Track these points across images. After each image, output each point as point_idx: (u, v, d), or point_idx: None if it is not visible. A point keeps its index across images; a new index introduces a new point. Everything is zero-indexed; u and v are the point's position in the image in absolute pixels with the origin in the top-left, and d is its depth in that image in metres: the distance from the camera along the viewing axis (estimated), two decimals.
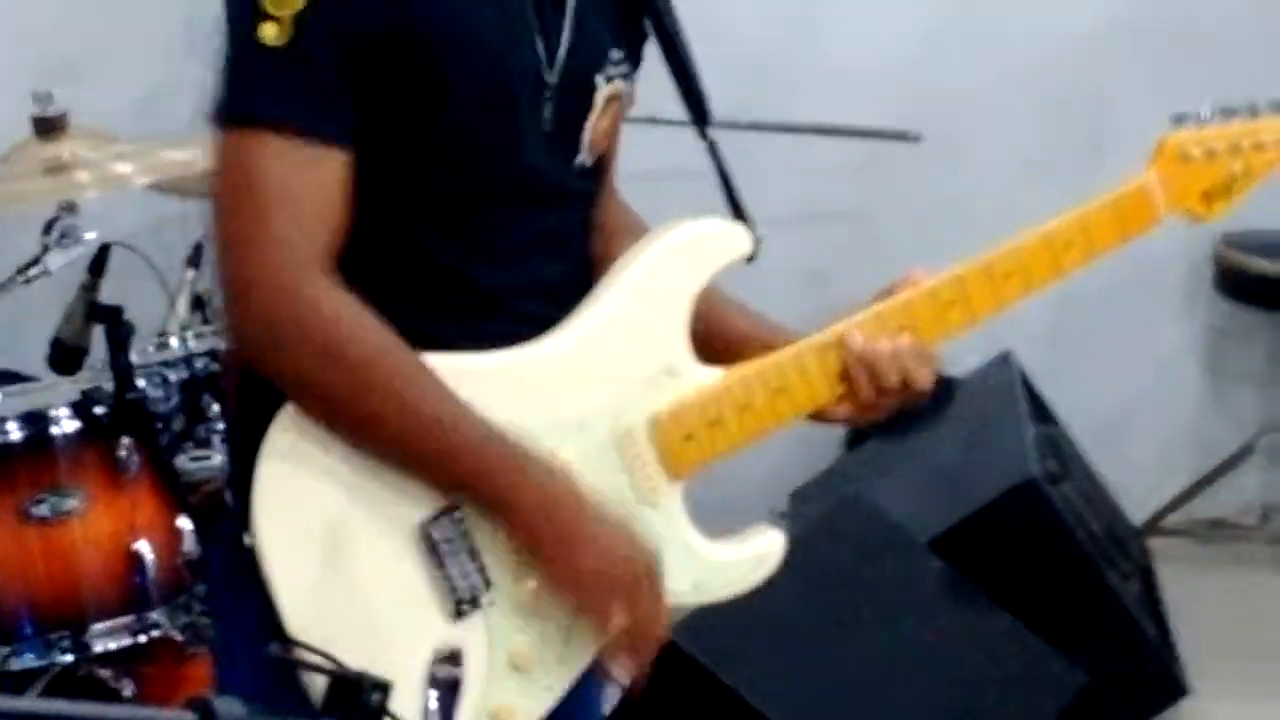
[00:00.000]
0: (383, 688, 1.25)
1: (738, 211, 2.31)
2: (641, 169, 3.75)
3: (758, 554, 2.22)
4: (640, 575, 2.06)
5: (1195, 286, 4.58)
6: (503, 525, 2.05)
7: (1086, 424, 4.35)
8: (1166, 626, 3.92)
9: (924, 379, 2.16)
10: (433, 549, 2.06)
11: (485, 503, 2.04)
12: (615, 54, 2.11)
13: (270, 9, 1.94)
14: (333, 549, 2.07)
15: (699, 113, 2.31)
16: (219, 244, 2.09)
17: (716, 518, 4.13)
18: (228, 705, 1.24)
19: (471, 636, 2.11)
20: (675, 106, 3.72)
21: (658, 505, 2.11)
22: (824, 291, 4.27)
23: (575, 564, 2.03)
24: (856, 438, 4.40)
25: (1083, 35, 4.60)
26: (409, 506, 2.06)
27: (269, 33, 1.93)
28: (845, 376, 2.11)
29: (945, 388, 4.05)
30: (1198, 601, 3.93)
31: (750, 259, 2.18)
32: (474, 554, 2.06)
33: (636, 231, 2.32)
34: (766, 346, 2.19)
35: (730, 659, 3.39)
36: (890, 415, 2.28)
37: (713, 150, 2.38)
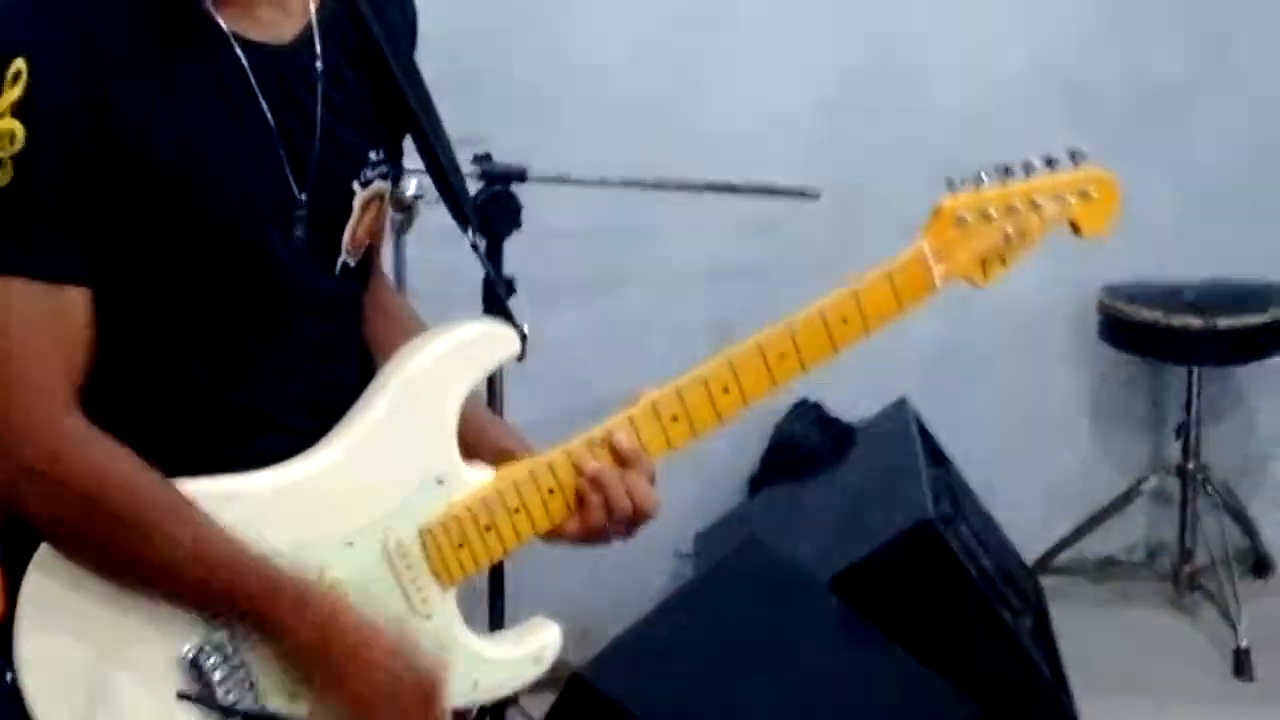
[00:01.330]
0: None
1: (505, 312, 2.28)
2: (551, 226, 3.67)
3: (535, 650, 2.20)
4: (421, 694, 2.04)
5: (1081, 335, 4.56)
6: (275, 650, 2.01)
7: (979, 466, 4.32)
8: (1058, 661, 3.91)
9: (650, 502, 2.13)
10: (201, 680, 2.00)
11: (256, 629, 2.00)
12: (374, 155, 2.07)
13: None
14: (98, 693, 1.99)
15: (460, 217, 2.27)
16: None
17: (623, 557, 4.06)
18: None
19: None
20: (583, 167, 3.71)
21: (432, 615, 2.09)
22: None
23: (352, 690, 2.00)
24: (759, 481, 4.35)
25: (986, 96, 4.49)
26: (174, 639, 1.99)
27: None
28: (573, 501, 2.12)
29: (844, 433, 4.26)
30: (1087, 637, 3.94)
31: (520, 359, 2.16)
32: (245, 679, 2.01)
33: (394, 312, 2.32)
34: (510, 455, 2.18)
35: (638, 695, 3.35)
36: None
37: (476, 249, 2.35)
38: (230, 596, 1.95)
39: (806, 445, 4.27)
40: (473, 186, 3.50)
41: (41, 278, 1.84)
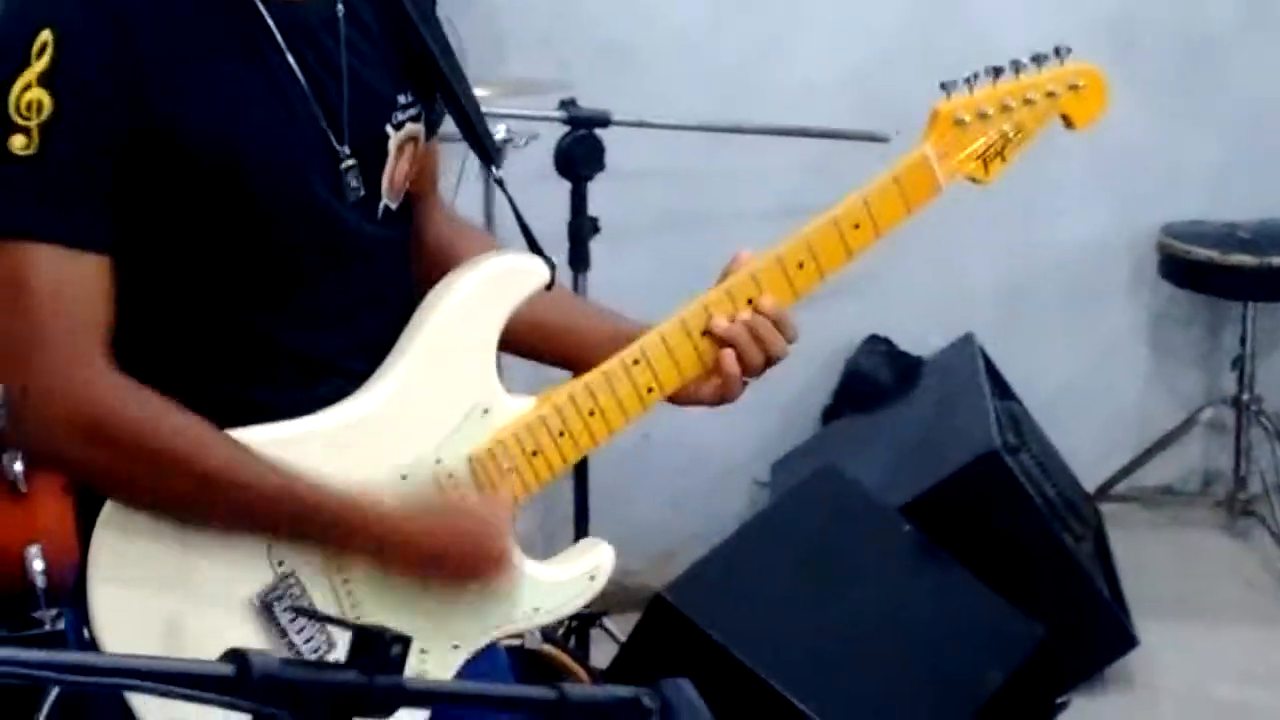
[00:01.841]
0: (404, 640, 1.29)
1: (533, 244, 2.31)
2: (629, 168, 3.78)
3: (589, 569, 2.25)
4: (476, 544, 2.07)
5: (1140, 273, 4.65)
6: (335, 580, 2.07)
7: (1043, 399, 4.42)
8: (1117, 583, 3.99)
9: (780, 348, 2.17)
10: (273, 621, 2.05)
11: (317, 548, 2.05)
12: (403, 99, 2.11)
13: (18, 119, 1.91)
14: (173, 644, 2.02)
15: (485, 156, 2.37)
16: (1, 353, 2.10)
17: (703, 486, 4.40)
18: (262, 657, 1.25)
19: None
20: (663, 109, 3.79)
21: (509, 547, 2.12)
22: None
23: (420, 571, 2.05)
24: (832, 413, 4.46)
25: (1039, 44, 4.71)
26: (242, 584, 2.05)
27: (17, 143, 1.89)
28: (706, 361, 2.14)
29: (913, 367, 4.36)
30: (1145, 561, 4.02)
31: (548, 287, 2.20)
32: (308, 615, 2.06)
33: (459, 242, 2.34)
34: (617, 343, 2.19)
35: (717, 616, 3.38)
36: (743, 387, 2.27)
37: (501, 185, 2.41)
38: (281, 520, 2.01)
39: (877, 379, 4.34)
40: (558, 130, 3.61)
41: (66, 243, 1.89)
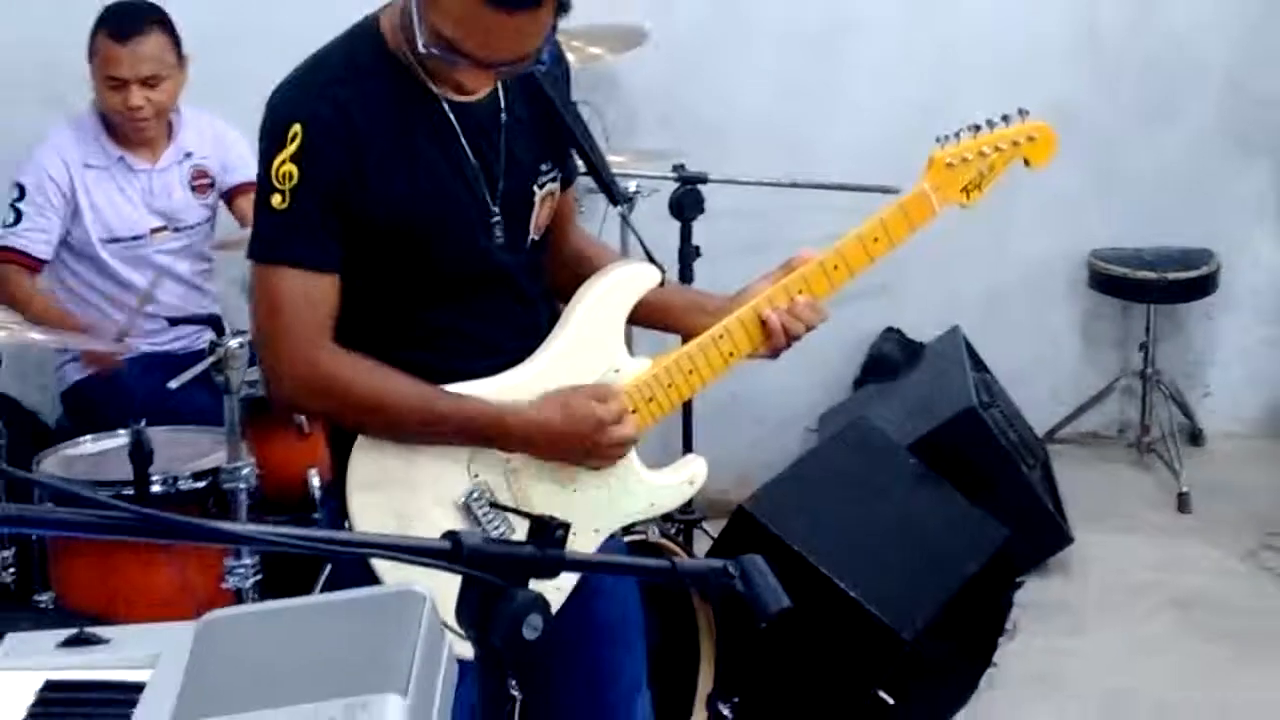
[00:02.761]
0: (564, 525, 1.37)
1: (650, 257, 2.47)
2: (721, 210, 3.83)
3: (688, 476, 2.41)
4: (594, 427, 2.20)
5: (1075, 284, 4.79)
6: (509, 476, 2.25)
7: (1007, 371, 4.48)
8: (1059, 500, 4.17)
9: (816, 323, 2.36)
10: (471, 515, 2.23)
11: (494, 448, 2.21)
12: (544, 167, 2.25)
13: (276, 184, 2.11)
14: (404, 531, 2.19)
15: (611, 199, 2.49)
16: (257, 340, 2.31)
17: (770, 431, 4.54)
18: (470, 534, 1.38)
19: None
20: (744, 169, 3.89)
21: (629, 456, 2.31)
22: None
23: (561, 449, 2.20)
24: (861, 381, 4.63)
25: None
26: (450, 490, 2.23)
27: (275, 200, 2.10)
28: (766, 334, 2.31)
29: (917, 350, 4.49)
30: (1078, 484, 4.18)
31: (661, 284, 2.39)
32: (498, 508, 2.23)
33: (594, 255, 2.49)
34: (710, 320, 2.34)
35: (783, 524, 3.43)
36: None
37: (625, 219, 2.81)
38: (463, 429, 2.18)
39: (892, 357, 4.52)
40: (671, 186, 3.77)
41: (306, 267, 2.09)
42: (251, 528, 2.05)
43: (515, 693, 2.54)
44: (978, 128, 2.32)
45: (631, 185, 3.60)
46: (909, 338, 4.53)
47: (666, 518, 3.53)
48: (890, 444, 3.80)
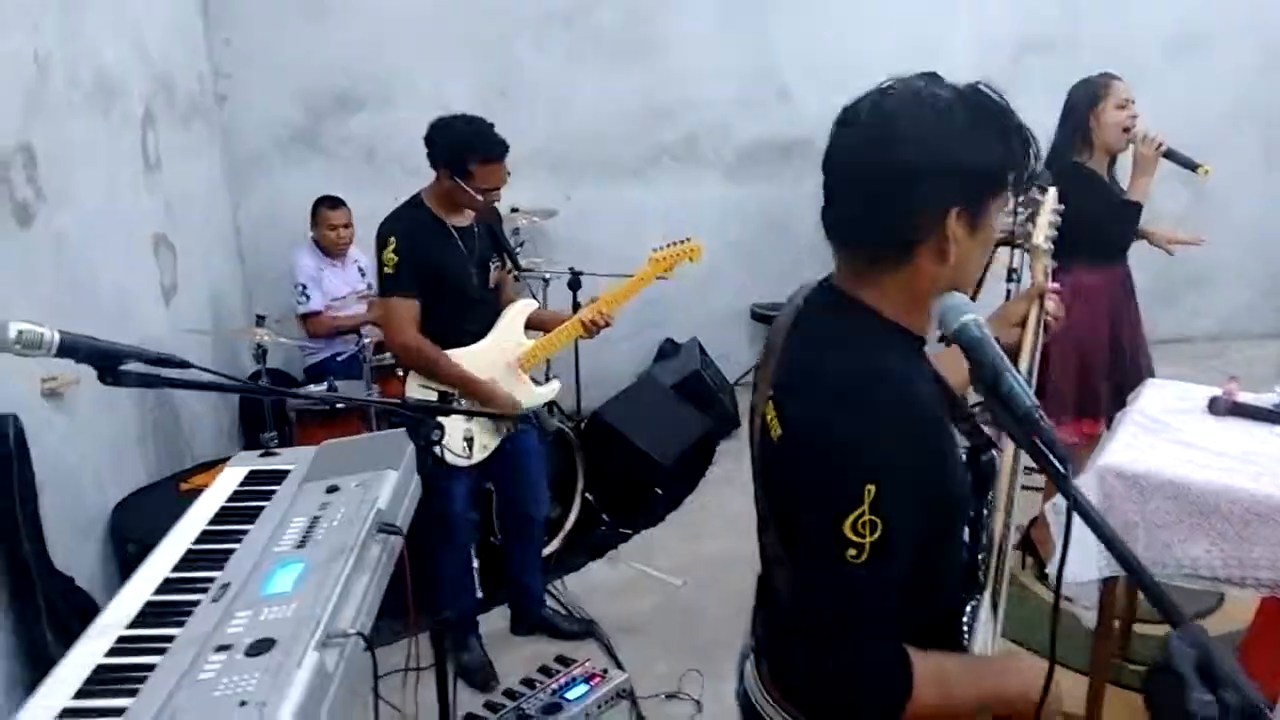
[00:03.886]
0: (440, 428, 1.72)
1: (532, 294, 2.88)
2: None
3: (552, 388, 3.02)
4: (514, 406, 2.74)
5: (741, 322, 5.20)
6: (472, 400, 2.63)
7: (715, 354, 4.78)
8: (739, 410, 4.43)
9: (606, 325, 2.82)
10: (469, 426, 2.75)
11: (469, 390, 2.70)
12: (494, 258, 2.77)
13: (385, 266, 2.54)
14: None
15: (517, 268, 2.96)
16: (388, 338, 2.78)
17: (619, 378, 4.51)
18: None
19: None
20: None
21: (525, 380, 2.87)
22: None
23: (489, 400, 2.68)
24: (657, 358, 5.06)
25: None
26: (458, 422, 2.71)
27: (388, 269, 2.50)
28: (585, 328, 2.86)
29: (678, 348, 4.99)
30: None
31: (537, 309, 2.90)
32: (477, 414, 2.74)
33: (511, 296, 2.91)
34: (558, 323, 2.89)
35: (617, 418, 4.28)
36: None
37: (517, 279, 3.00)
38: (463, 384, 2.71)
39: (668, 350, 5.12)
40: (566, 277, 3.91)
41: (406, 295, 2.67)
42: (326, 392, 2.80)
43: (489, 486, 3.27)
44: (672, 243, 2.85)
45: (544, 272, 4.08)
46: (677, 342, 5.09)
47: (563, 414, 3.95)
48: (664, 385, 4.59)
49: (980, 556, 1.23)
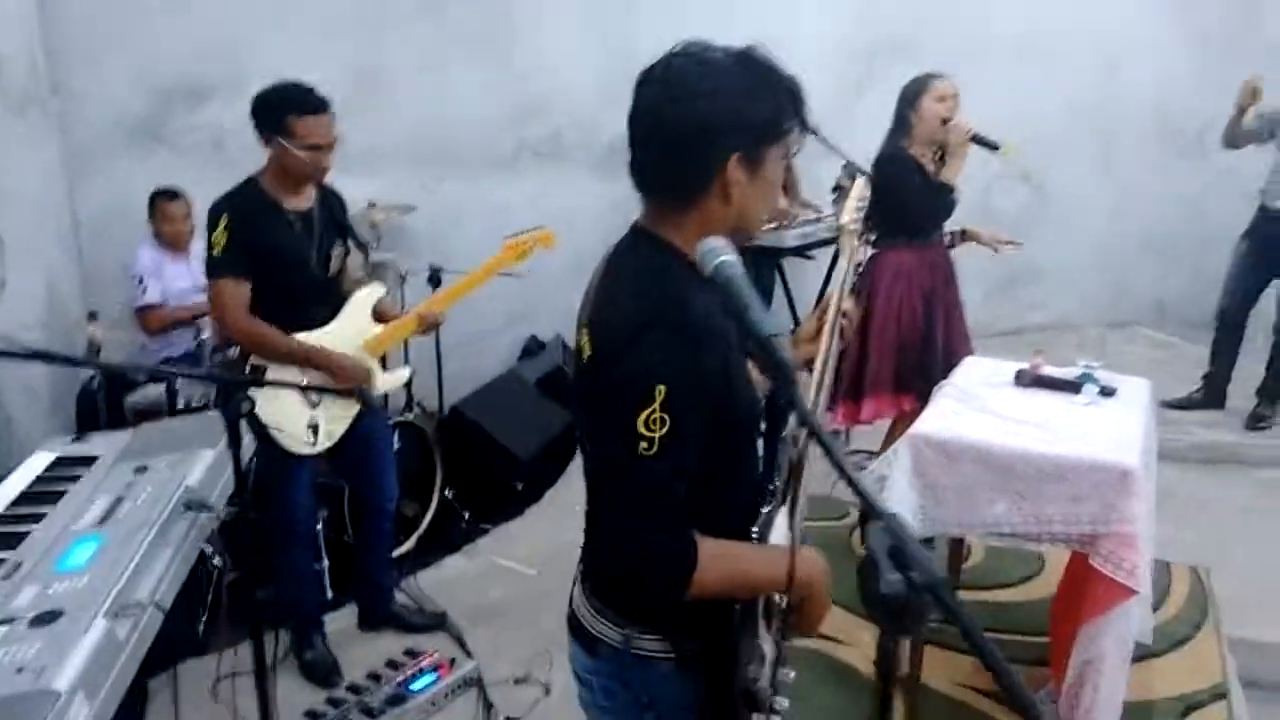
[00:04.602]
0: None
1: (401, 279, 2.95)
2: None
3: (404, 373, 3.22)
4: (367, 375, 2.76)
5: None
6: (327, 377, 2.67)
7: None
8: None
9: (437, 323, 2.89)
10: (309, 400, 2.78)
11: (318, 363, 2.69)
12: (337, 242, 2.82)
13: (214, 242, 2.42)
14: (277, 407, 2.73)
15: (364, 253, 2.91)
16: (219, 322, 2.75)
17: (482, 372, 4.53)
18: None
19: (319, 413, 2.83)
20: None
21: (374, 363, 2.92)
22: None
23: (340, 370, 2.74)
24: (522, 357, 5.09)
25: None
26: (304, 406, 2.74)
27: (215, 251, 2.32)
28: (421, 323, 2.93)
29: (541, 345, 5.03)
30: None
31: (387, 293, 2.91)
32: (323, 390, 2.74)
33: (358, 282, 2.92)
34: (398, 316, 2.93)
35: (477, 412, 4.43)
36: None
37: (367, 261, 2.98)
38: (307, 357, 2.75)
39: (533, 347, 5.21)
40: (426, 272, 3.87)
41: (236, 278, 2.64)
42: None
43: (342, 484, 3.28)
44: (525, 230, 2.99)
45: (401, 264, 4.05)
46: (540, 339, 5.19)
47: (424, 412, 4.07)
48: (527, 380, 4.72)
49: (775, 479, 1.41)
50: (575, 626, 1.45)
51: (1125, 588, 2.25)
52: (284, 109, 2.61)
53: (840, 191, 2.02)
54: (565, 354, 4.83)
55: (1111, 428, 2.54)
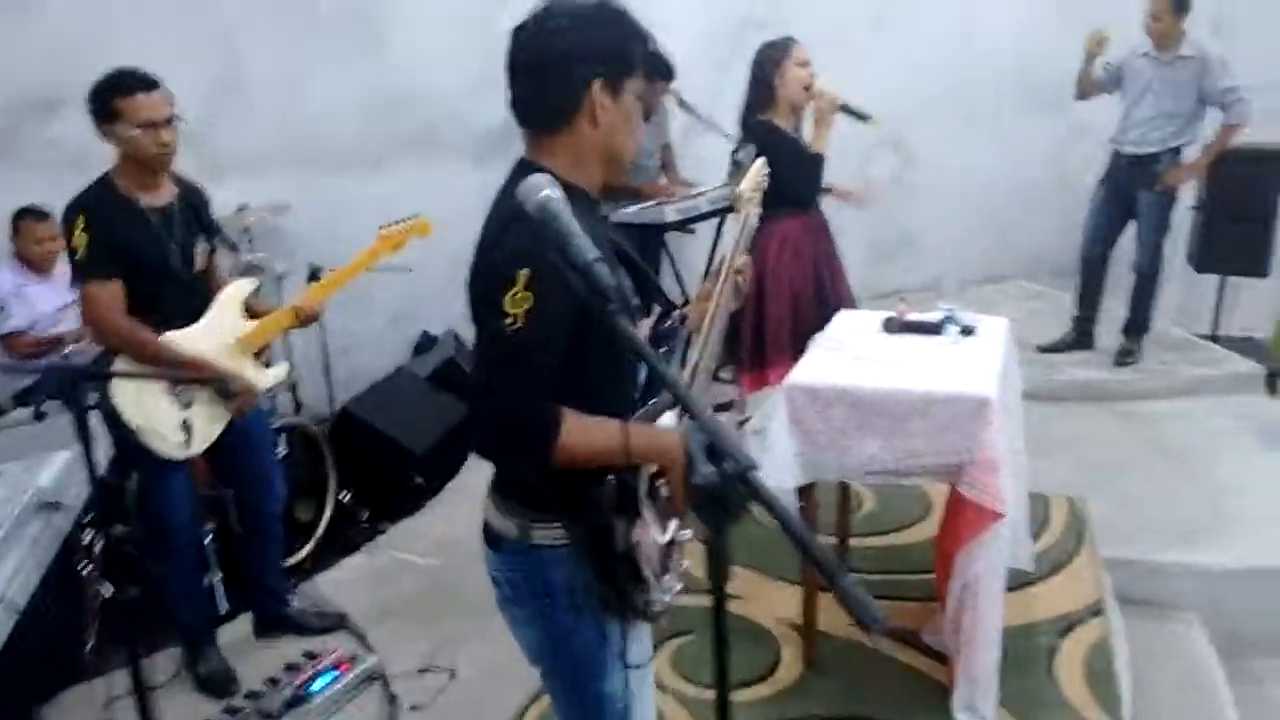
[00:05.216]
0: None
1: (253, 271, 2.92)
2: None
3: (281, 371, 3.05)
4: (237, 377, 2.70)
5: None
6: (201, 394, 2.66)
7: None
8: None
9: (312, 318, 2.87)
10: (179, 399, 2.70)
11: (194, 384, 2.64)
12: (201, 239, 2.78)
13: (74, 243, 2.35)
14: (145, 408, 2.65)
15: (233, 249, 2.93)
16: (93, 328, 2.67)
17: (372, 372, 4.54)
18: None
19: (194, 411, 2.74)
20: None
21: (248, 363, 2.87)
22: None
23: (230, 378, 2.68)
24: (415, 353, 5.07)
25: None
26: (174, 399, 2.69)
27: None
28: (297, 316, 2.89)
29: (434, 341, 4.98)
30: None
31: (257, 290, 2.89)
32: (187, 380, 2.64)
33: (223, 280, 2.88)
34: (270, 311, 2.89)
35: (367, 410, 4.40)
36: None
37: (235, 255, 3.09)
38: (191, 367, 2.65)
39: (424, 344, 5.18)
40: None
41: (102, 278, 2.56)
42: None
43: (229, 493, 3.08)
44: (400, 220, 2.98)
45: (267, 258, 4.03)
46: (431, 334, 5.19)
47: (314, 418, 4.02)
48: (418, 375, 4.73)
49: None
50: (485, 531, 1.58)
51: (992, 512, 2.35)
52: (111, 94, 2.57)
53: (739, 166, 2.11)
54: (458, 346, 4.83)
55: (971, 362, 2.67)
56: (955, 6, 5.81)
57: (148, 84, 2.62)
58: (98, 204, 2.62)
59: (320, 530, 3.81)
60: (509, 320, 1.34)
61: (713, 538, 1.05)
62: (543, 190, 1.25)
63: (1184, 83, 4.47)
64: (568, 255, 1.20)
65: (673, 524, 1.49)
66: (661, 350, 1.61)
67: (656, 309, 1.64)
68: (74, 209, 2.62)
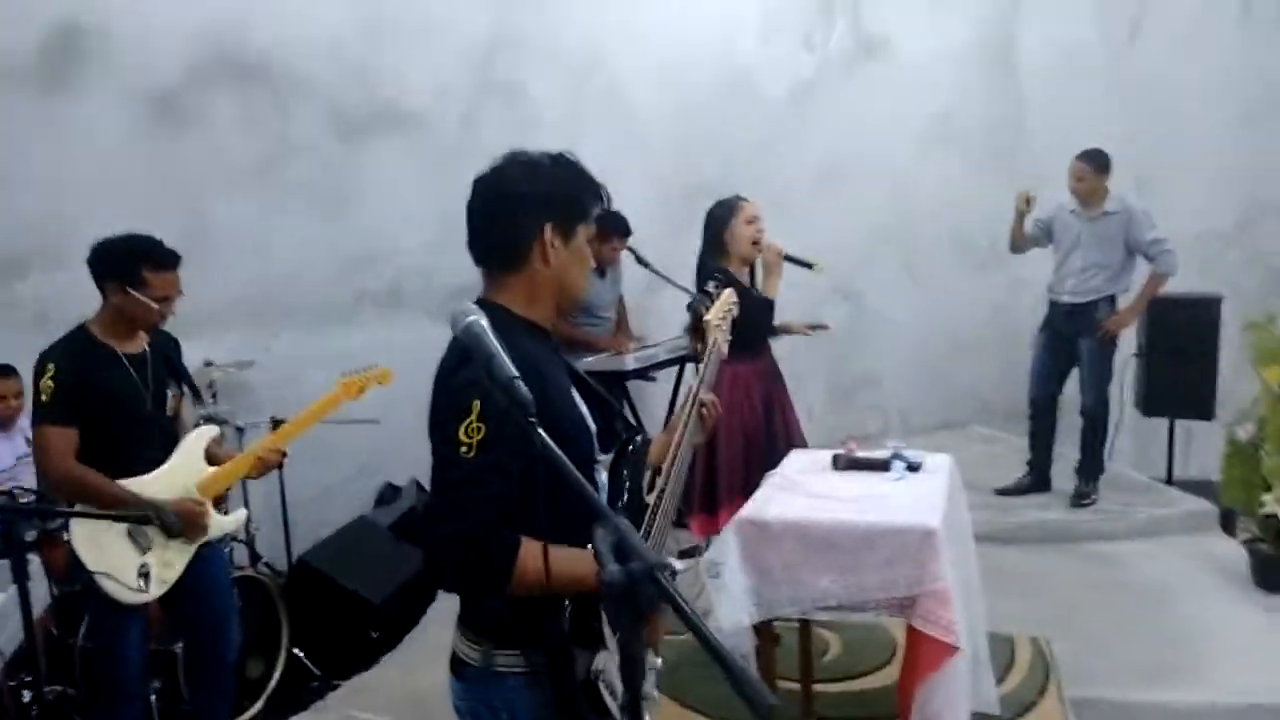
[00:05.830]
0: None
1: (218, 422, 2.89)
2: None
3: (239, 518, 3.06)
4: (194, 513, 2.76)
5: None
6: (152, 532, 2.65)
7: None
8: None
9: (276, 462, 2.93)
10: (139, 541, 2.68)
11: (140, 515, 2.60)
12: (171, 385, 2.81)
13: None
14: (98, 550, 2.69)
15: (196, 396, 2.93)
16: (45, 471, 2.71)
17: (332, 518, 4.45)
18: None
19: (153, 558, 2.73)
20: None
21: (210, 510, 2.88)
22: None
23: (166, 524, 2.71)
24: (377, 504, 5.01)
25: None
26: (131, 543, 2.69)
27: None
28: (260, 464, 2.92)
29: (397, 490, 4.93)
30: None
31: (220, 440, 2.92)
32: (146, 549, 2.65)
33: (185, 428, 2.88)
34: (230, 457, 2.91)
35: (324, 562, 4.29)
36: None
37: (201, 406, 3.10)
38: (118, 502, 2.65)
39: (387, 494, 5.13)
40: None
41: (66, 424, 2.60)
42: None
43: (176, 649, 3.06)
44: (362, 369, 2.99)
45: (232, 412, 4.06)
46: (395, 485, 5.13)
47: (272, 571, 3.99)
48: (378, 527, 4.68)
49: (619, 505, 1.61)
50: (451, 661, 1.60)
51: (947, 645, 2.36)
52: (137, 261, 2.68)
53: (708, 297, 2.28)
54: (421, 496, 4.79)
55: (916, 496, 2.75)
56: (887, 169, 6.07)
57: (176, 261, 2.77)
58: (72, 354, 2.67)
59: (270, 687, 3.70)
60: (464, 448, 1.39)
61: (624, 638, 1.06)
62: (469, 316, 1.31)
63: (1112, 236, 4.67)
64: (491, 372, 1.25)
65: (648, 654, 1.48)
66: (623, 474, 1.67)
67: (621, 435, 1.67)
68: (45, 358, 2.67)
